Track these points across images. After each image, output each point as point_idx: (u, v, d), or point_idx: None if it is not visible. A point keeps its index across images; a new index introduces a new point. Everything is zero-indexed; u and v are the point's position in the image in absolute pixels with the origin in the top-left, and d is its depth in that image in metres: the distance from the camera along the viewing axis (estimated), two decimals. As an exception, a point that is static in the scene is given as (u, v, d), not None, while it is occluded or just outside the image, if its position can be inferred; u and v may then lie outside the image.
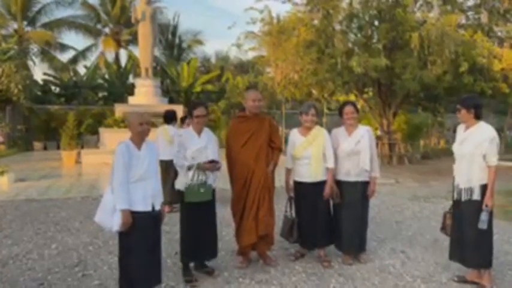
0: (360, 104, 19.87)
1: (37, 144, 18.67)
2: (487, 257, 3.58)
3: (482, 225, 3.44)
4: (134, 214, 3.06)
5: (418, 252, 4.61)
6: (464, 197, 3.58)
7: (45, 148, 18.71)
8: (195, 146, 3.83)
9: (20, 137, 18.84)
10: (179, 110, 11.40)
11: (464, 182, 3.58)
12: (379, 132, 14.49)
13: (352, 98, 16.62)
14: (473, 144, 3.51)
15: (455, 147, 3.72)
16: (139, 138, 3.22)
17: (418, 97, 13.88)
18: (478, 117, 3.59)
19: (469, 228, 3.54)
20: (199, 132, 3.91)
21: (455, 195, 3.69)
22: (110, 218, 3.07)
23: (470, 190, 3.54)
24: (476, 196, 3.50)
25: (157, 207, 3.22)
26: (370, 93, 15.28)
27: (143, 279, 3.15)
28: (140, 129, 3.19)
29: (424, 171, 11.85)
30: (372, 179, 4.30)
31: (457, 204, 3.69)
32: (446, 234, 3.96)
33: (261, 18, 13.03)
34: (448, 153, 3.51)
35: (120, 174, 3.03)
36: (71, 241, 4.93)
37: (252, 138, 4.05)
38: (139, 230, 3.08)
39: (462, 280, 3.75)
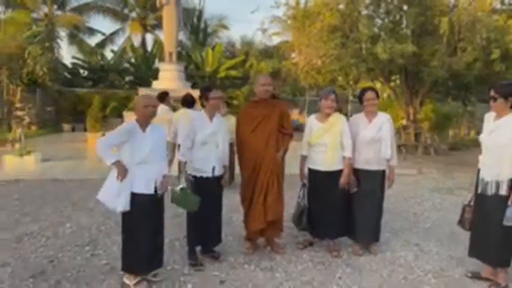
0: (386, 92, 19.41)
1: (66, 126, 19.17)
2: (508, 256, 3.41)
3: (508, 221, 3.24)
4: (136, 196, 3.08)
5: (433, 245, 4.46)
6: (490, 191, 3.37)
7: (73, 130, 19.20)
8: (206, 131, 3.79)
9: (50, 119, 19.42)
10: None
11: (491, 175, 3.37)
12: (404, 122, 14.08)
13: (377, 85, 16.21)
14: (506, 135, 3.28)
15: (484, 138, 3.50)
16: (144, 120, 3.25)
17: (447, 85, 13.36)
18: None
19: (493, 224, 3.35)
20: (211, 117, 3.86)
21: (480, 189, 3.48)
22: (114, 199, 3.10)
23: (498, 184, 3.33)
24: (503, 191, 3.30)
25: (160, 191, 3.23)
26: (397, 81, 14.82)
27: (144, 262, 3.18)
28: (145, 111, 3.22)
29: (451, 162, 11.46)
30: (391, 168, 4.16)
31: (481, 198, 3.49)
32: (463, 228, 3.80)
33: (285, 2, 12.78)
34: (478, 144, 3.36)
35: (112, 138, 3.17)
36: (85, 220, 5.04)
37: (262, 123, 3.98)
38: (142, 212, 3.11)
39: (476, 276, 3.60)
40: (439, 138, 14.84)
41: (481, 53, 10.02)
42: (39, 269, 3.61)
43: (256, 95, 4.09)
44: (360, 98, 4.22)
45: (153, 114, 3.30)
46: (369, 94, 4.13)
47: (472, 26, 9.67)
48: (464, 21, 9.71)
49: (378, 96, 4.17)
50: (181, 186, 3.55)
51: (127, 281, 3.28)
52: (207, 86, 4.02)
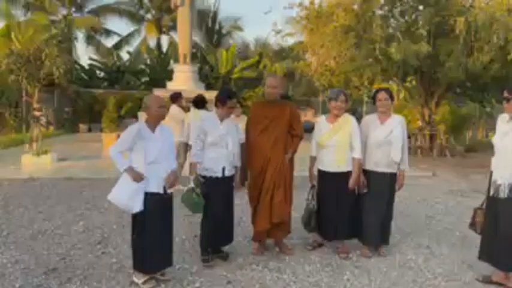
0: (402, 94, 19.13)
1: (82, 126, 19.52)
2: None
3: None
4: (147, 195, 3.13)
5: (445, 248, 4.39)
6: (502, 194, 3.32)
7: (89, 130, 19.53)
8: (217, 133, 3.80)
9: (67, 119, 19.79)
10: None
11: (504, 178, 3.32)
12: (420, 123, 13.87)
13: (393, 86, 16.02)
14: None
15: (497, 140, 3.45)
16: (155, 121, 3.29)
17: (464, 86, 13.14)
18: None
19: (505, 227, 3.30)
20: (222, 118, 3.88)
21: (492, 191, 3.43)
22: (128, 200, 3.14)
23: (510, 187, 3.28)
24: None
25: (169, 190, 3.27)
26: (414, 82, 14.63)
27: (154, 261, 3.23)
28: (159, 111, 3.26)
29: (466, 164, 11.26)
30: (401, 171, 4.11)
31: (493, 201, 3.43)
32: (475, 232, 3.74)
33: (299, 2, 12.74)
34: (495, 147, 3.39)
35: (121, 144, 3.20)
36: (97, 219, 5.13)
37: (270, 124, 3.98)
38: (152, 211, 3.15)
39: (487, 280, 3.53)
40: (456, 140, 14.60)
41: (498, 53, 9.83)
42: (51, 266, 3.69)
43: (265, 96, 4.10)
44: (373, 98, 4.19)
45: (165, 115, 3.37)
46: (382, 94, 4.08)
47: (489, 26, 9.48)
48: (481, 21, 9.52)
49: (391, 97, 4.11)
50: (189, 186, 3.58)
51: (136, 279, 3.32)
52: (229, 92, 3.96)
